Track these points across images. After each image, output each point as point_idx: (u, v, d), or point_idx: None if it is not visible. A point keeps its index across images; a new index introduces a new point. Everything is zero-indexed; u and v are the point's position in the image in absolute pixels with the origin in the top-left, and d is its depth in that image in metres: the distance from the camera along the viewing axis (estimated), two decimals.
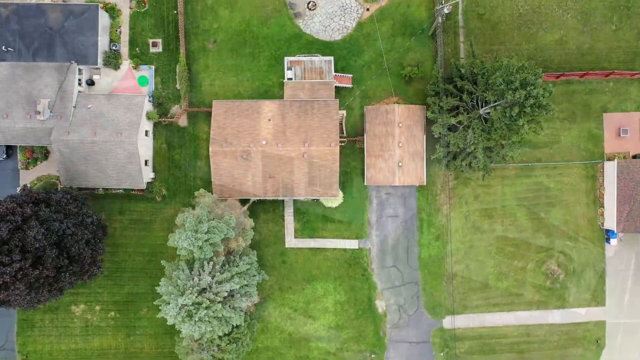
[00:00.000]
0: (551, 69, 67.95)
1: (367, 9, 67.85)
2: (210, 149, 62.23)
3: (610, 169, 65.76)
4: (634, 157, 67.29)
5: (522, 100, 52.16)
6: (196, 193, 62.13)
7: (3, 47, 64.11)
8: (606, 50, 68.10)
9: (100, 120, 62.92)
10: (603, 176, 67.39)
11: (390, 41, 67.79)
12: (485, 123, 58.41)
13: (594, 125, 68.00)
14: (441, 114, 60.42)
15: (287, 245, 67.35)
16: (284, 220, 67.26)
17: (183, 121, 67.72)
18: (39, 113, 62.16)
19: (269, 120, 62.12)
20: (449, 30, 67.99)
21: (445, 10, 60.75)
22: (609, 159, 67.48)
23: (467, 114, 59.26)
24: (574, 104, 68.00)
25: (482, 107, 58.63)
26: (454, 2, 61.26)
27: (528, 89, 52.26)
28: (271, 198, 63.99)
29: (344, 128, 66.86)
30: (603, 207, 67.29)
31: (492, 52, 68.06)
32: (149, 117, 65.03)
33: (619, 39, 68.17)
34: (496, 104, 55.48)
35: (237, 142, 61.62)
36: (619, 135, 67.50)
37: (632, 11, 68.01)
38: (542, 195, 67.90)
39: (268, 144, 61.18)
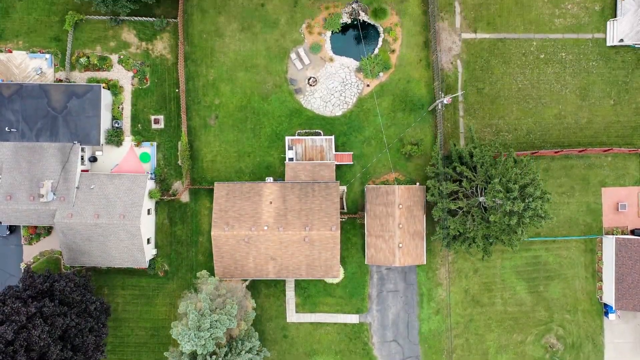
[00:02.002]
0: (550, 143, 68.56)
1: (368, 85, 68.38)
2: (212, 233, 62.77)
3: (609, 245, 66.35)
4: (632, 232, 67.89)
5: (521, 211, 52.72)
6: (198, 274, 62.66)
7: (6, 128, 64.62)
8: (604, 125, 68.70)
9: (103, 202, 63.45)
10: (602, 250, 67.98)
11: (390, 117, 68.34)
12: (485, 211, 58.96)
13: (593, 200, 68.58)
14: (441, 198, 60.99)
15: (288, 320, 67.93)
16: (285, 295, 67.84)
17: (185, 197, 68.25)
18: (42, 196, 62.66)
19: (271, 203, 62.67)
20: (449, 105, 68.48)
21: (445, 102, 61.26)
22: (607, 234, 68.07)
23: (467, 200, 59.80)
24: (572, 179, 68.59)
25: (481, 195, 59.18)
26: (454, 95, 61.77)
27: (527, 201, 52.85)
28: (273, 279, 64.61)
29: (344, 203, 67.44)
30: (602, 281, 67.89)
31: (491, 127, 68.69)
32: (151, 196, 65.55)
33: (617, 113, 68.76)
34: (495, 206, 56.06)
35: (239, 225, 62.17)
36: (618, 210, 68.05)
37: (630, 86, 68.61)
38: (541, 268, 68.49)
39: (270, 229, 61.73)
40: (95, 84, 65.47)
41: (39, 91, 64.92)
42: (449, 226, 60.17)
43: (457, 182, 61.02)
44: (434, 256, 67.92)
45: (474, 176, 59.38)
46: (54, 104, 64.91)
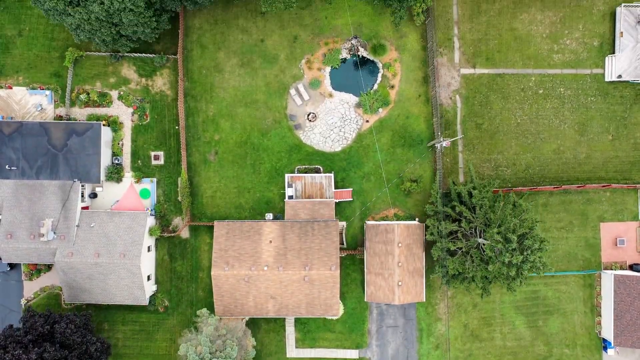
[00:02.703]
0: (549, 178, 68.82)
1: (367, 121, 68.58)
2: (212, 272, 62.98)
3: (607, 281, 66.59)
4: (631, 267, 68.16)
5: (519, 263, 53.00)
6: (198, 312, 62.84)
7: (7, 166, 64.79)
8: (603, 160, 68.96)
9: (103, 240, 63.64)
10: (600, 285, 68.23)
11: (389, 152, 68.55)
12: (484, 252, 59.19)
13: (591, 235, 68.83)
14: (440, 238, 61.23)
15: (288, 355, 68.10)
16: (285, 331, 68.06)
17: (185, 233, 68.44)
18: (43, 235, 62.81)
19: (270, 242, 62.87)
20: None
21: (444, 145, 61.49)
22: (606, 269, 68.33)
23: (466, 240, 60.03)
24: (571, 213, 68.83)
25: (480, 237, 59.41)
26: (453, 139, 62.00)
27: (525, 253, 53.11)
28: (273, 317, 64.86)
29: (344, 239, 67.67)
30: (600, 315, 68.14)
31: (490, 161, 68.93)
32: (151, 234, 65.71)
33: (615, 148, 69.01)
34: (494, 254, 56.33)
35: (239, 265, 62.38)
36: (616, 245, 68.30)
37: (629, 121, 68.88)
38: (540, 303, 68.72)
39: (269, 268, 61.96)
40: (95, 122, 65.62)
41: (39, 129, 65.08)
42: (448, 266, 60.40)
43: (457, 222, 61.21)
44: (433, 291, 68.15)
45: (473, 217, 59.60)
46: (54, 142, 65.07)
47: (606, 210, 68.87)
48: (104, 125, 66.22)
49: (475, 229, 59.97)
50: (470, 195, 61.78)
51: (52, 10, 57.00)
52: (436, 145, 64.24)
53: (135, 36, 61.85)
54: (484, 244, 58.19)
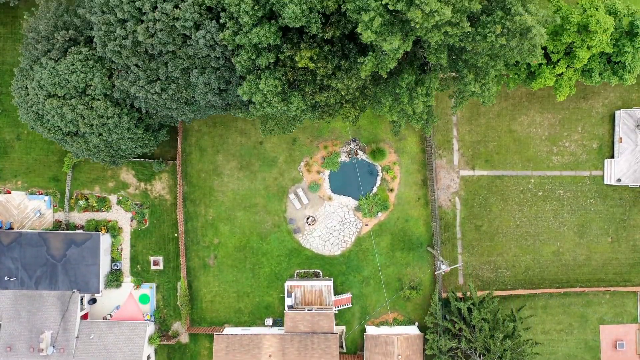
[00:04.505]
0: (548, 280, 68.84)
1: (366, 225, 68.54)
2: None
3: None
4: None
5: None
6: None
7: (6, 277, 64.76)
8: (602, 262, 68.96)
9: (102, 352, 63.62)
10: None
11: (389, 256, 68.54)
12: None
13: (591, 337, 68.86)
14: (440, 354, 61.27)
15: None
16: None
17: (184, 338, 68.42)
18: (43, 350, 62.76)
19: (270, 356, 62.88)
20: (447, 242, 68.73)
21: (444, 271, 61.52)
22: None
23: (467, 359, 60.04)
24: (570, 316, 68.86)
25: (480, 359, 59.44)
26: (453, 267, 62.07)
27: None
28: None
29: (343, 343, 67.70)
30: None
31: (489, 263, 68.93)
32: (150, 342, 65.68)
33: (615, 251, 69.01)
34: None
35: None
36: (616, 348, 68.32)
37: (628, 224, 68.86)
38: None
39: None
40: (94, 232, 65.58)
41: (38, 239, 65.05)
42: None
43: (457, 338, 61.21)
44: None
45: (473, 337, 59.59)
46: (53, 252, 65.03)
47: (606, 313, 68.89)
48: (102, 233, 66.06)
49: (475, 350, 59.97)
50: (470, 311, 61.78)
51: (51, 136, 57.00)
52: (436, 272, 64.47)
53: (134, 153, 61.84)
54: None
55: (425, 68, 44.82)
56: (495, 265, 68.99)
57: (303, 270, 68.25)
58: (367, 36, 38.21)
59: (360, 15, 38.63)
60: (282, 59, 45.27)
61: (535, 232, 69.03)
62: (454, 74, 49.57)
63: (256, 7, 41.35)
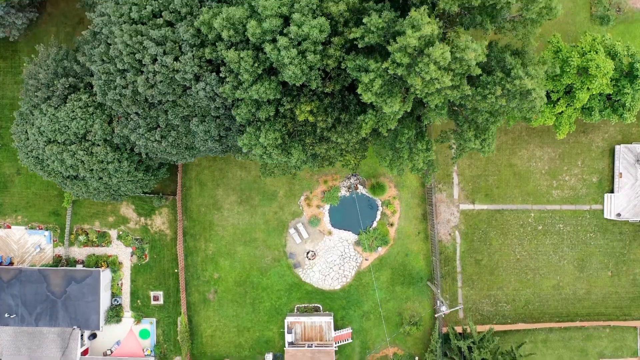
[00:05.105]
0: (548, 314, 68.89)
1: (366, 259, 68.55)
2: None
3: None
4: None
5: None
6: None
7: (6, 314, 64.76)
8: (602, 296, 68.98)
9: None
10: None
11: (389, 290, 68.56)
12: None
13: None
14: None
15: None
16: None
17: None
18: None
19: None
20: (447, 276, 68.79)
21: (444, 312, 61.56)
22: None
23: None
24: (571, 350, 68.94)
25: None
26: (454, 309, 62.12)
27: None
28: None
29: None
30: None
31: (489, 297, 68.96)
32: None
33: (615, 285, 69.03)
34: None
35: None
36: None
37: (628, 258, 68.87)
38: None
39: None
40: (94, 269, 65.55)
41: (38, 276, 65.04)
42: None
43: None
44: None
45: None
46: (53, 289, 65.03)
47: (606, 347, 68.94)
48: (103, 269, 66.04)
49: None
50: (470, 350, 61.83)
51: (51, 179, 57.03)
52: (436, 314, 64.57)
53: (134, 193, 61.88)
54: None
55: (426, 123, 44.90)
56: (496, 299, 69.02)
57: (303, 305, 68.29)
58: (367, 97, 38.23)
59: (360, 74, 38.66)
60: (282, 111, 45.29)
61: (535, 266, 69.05)
62: (454, 126, 49.58)
63: (256, 65, 41.34)
